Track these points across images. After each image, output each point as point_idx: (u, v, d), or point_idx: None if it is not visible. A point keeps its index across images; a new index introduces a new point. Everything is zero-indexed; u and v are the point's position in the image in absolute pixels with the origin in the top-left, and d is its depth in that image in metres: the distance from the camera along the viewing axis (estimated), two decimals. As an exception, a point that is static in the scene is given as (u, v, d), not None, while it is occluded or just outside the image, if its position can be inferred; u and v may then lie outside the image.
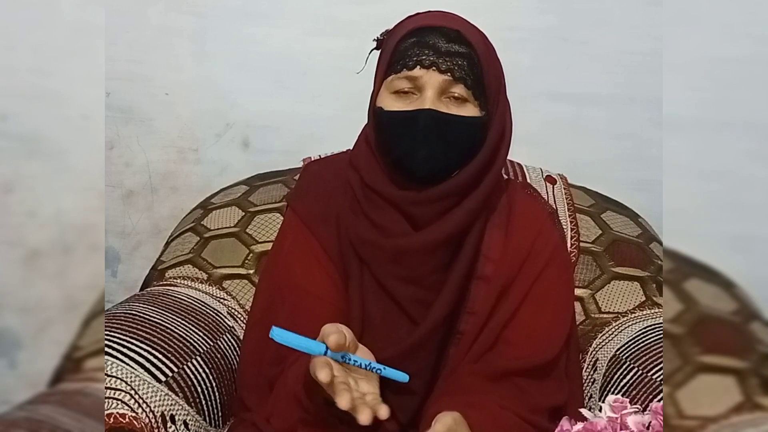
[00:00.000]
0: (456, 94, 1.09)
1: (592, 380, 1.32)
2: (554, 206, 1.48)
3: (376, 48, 1.17)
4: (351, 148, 1.24)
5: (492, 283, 1.16)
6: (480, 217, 1.16)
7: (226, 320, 1.36)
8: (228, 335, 1.33)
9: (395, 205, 1.13)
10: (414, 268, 1.14)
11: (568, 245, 1.44)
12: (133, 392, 1.06)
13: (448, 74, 1.08)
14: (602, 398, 1.24)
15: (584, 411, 0.94)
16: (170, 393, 1.13)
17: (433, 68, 1.08)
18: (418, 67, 1.09)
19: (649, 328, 1.31)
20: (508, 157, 1.50)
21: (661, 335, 1.23)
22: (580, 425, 0.92)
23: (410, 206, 1.12)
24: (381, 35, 1.17)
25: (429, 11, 1.14)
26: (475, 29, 1.13)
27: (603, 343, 1.36)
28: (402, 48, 1.10)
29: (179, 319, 1.27)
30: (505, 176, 1.41)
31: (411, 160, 1.10)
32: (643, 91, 1.73)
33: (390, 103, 1.11)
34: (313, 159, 1.52)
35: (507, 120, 1.17)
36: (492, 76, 1.12)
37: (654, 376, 1.17)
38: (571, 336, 1.23)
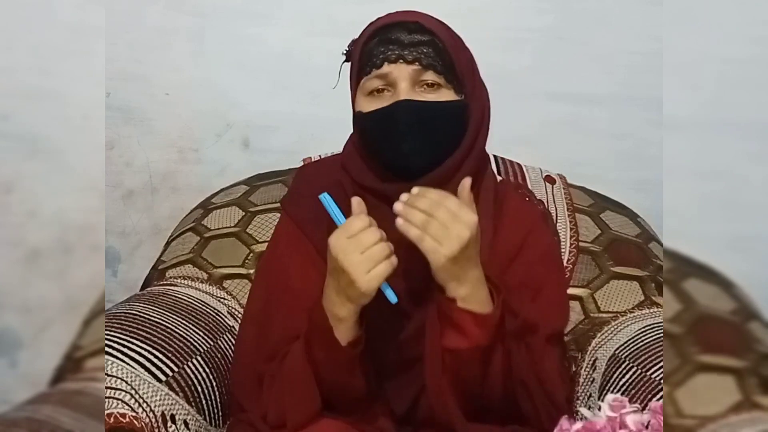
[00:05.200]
0: (429, 81, 1.10)
1: (591, 379, 1.32)
2: (554, 206, 1.48)
3: (346, 60, 1.18)
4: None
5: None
6: None
7: (226, 320, 1.36)
8: (228, 335, 1.33)
9: (386, 201, 1.12)
10: (405, 262, 1.12)
11: (568, 245, 1.44)
12: (133, 392, 1.06)
13: (416, 63, 1.09)
14: (601, 397, 1.24)
15: (583, 410, 0.94)
16: (170, 393, 1.13)
17: (401, 61, 1.09)
18: (386, 63, 1.10)
19: (648, 327, 1.31)
20: (508, 157, 1.52)
21: (661, 335, 1.23)
22: (579, 424, 0.93)
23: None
24: (348, 46, 1.18)
25: (388, 13, 1.15)
26: (435, 19, 1.14)
27: (602, 343, 1.36)
28: (367, 50, 1.12)
29: (179, 319, 1.27)
30: (500, 177, 1.40)
31: (397, 154, 1.10)
32: (643, 91, 1.73)
33: (367, 105, 1.12)
34: (313, 159, 1.53)
35: (486, 103, 1.17)
36: (462, 60, 1.13)
37: (653, 376, 1.17)
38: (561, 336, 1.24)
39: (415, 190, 1.04)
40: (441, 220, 1.01)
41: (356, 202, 1.06)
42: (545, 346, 1.15)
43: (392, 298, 1.04)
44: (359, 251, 1.01)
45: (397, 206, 1.03)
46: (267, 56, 1.77)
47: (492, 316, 1.06)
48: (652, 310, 1.39)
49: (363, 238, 1.01)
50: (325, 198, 1.07)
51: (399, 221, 1.02)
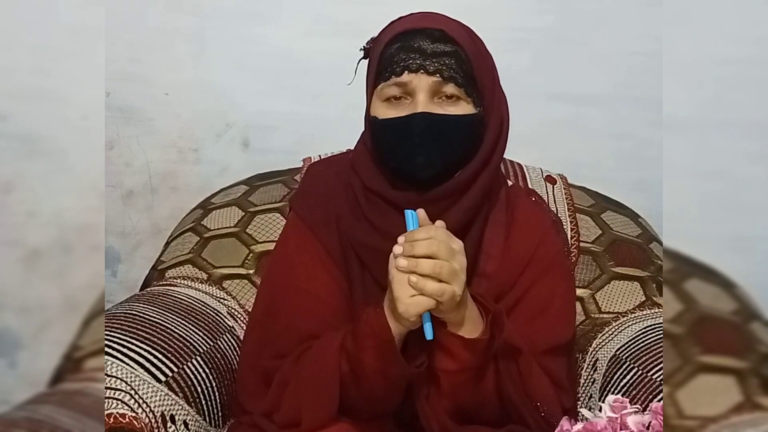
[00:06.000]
0: (448, 94, 1.09)
1: (592, 380, 1.32)
2: (554, 206, 1.48)
3: (364, 57, 1.16)
4: (353, 147, 1.24)
5: (493, 281, 1.16)
6: (479, 214, 1.16)
7: (226, 320, 1.36)
8: (228, 335, 1.33)
9: (397, 208, 1.12)
10: None
11: (569, 245, 1.44)
12: (133, 392, 1.06)
13: (437, 75, 1.07)
14: (602, 398, 1.24)
15: (584, 411, 0.94)
16: (170, 393, 1.13)
17: (421, 71, 1.07)
18: (406, 72, 1.08)
19: (649, 328, 1.31)
20: (509, 157, 1.52)
21: (661, 335, 1.23)
22: (580, 425, 0.93)
23: (412, 208, 1.12)
24: (367, 44, 1.16)
25: (411, 14, 1.14)
26: (459, 25, 1.13)
27: (603, 343, 1.36)
28: (388, 54, 1.10)
29: (179, 319, 1.27)
30: (510, 182, 1.40)
31: (410, 165, 1.09)
32: (643, 91, 1.73)
33: (383, 112, 1.11)
34: (312, 159, 1.53)
35: (504, 113, 1.16)
36: (483, 71, 1.11)
37: (654, 376, 1.17)
38: (570, 345, 1.24)
39: (401, 239, 1.02)
40: (446, 258, 1.00)
41: (422, 215, 1.05)
42: (547, 360, 1.15)
43: (428, 334, 1.03)
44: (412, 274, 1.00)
45: (401, 262, 1.00)
46: (267, 56, 1.77)
47: (481, 339, 1.05)
48: (653, 311, 1.39)
49: (422, 264, 1.00)
50: (412, 215, 1.05)
51: (413, 278, 0.99)
